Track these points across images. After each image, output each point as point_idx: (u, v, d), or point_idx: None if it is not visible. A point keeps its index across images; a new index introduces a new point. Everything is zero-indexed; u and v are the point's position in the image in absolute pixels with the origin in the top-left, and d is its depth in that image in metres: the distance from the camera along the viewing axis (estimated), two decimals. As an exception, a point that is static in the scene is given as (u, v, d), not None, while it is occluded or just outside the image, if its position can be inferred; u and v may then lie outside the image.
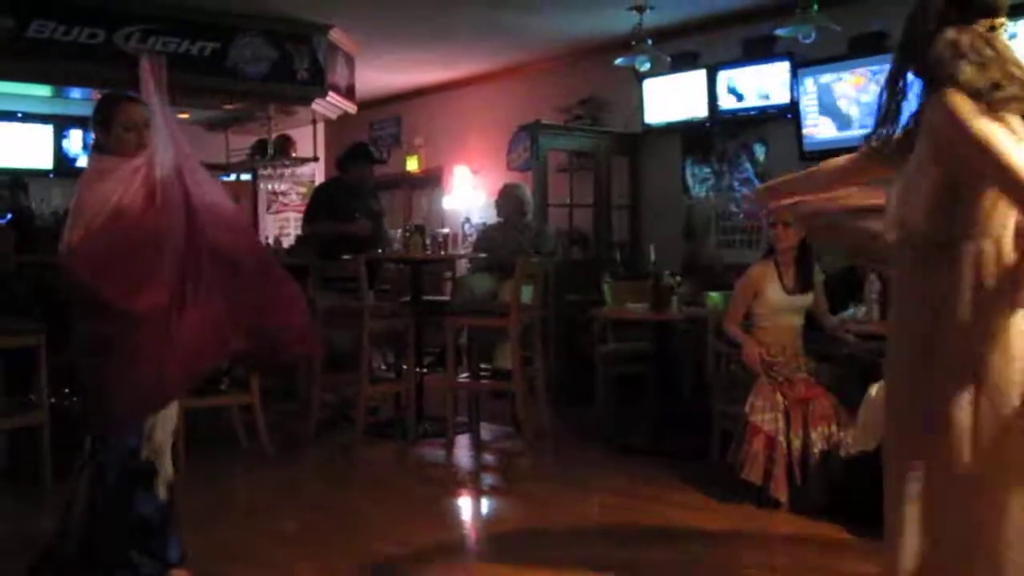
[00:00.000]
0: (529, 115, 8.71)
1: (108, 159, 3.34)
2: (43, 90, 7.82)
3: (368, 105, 10.52)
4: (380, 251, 6.86)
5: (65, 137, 9.74)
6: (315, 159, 9.41)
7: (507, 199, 7.22)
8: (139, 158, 3.30)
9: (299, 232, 9.77)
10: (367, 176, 7.14)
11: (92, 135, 3.51)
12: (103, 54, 6.95)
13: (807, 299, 5.11)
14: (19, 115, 9.39)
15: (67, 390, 5.77)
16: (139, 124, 3.37)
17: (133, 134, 3.36)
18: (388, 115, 11.68)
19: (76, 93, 7.91)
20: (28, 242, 6.79)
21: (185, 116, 8.83)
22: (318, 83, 8.01)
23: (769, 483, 4.63)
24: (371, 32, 8.28)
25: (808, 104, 7.31)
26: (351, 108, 8.91)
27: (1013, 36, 6.22)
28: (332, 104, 8.46)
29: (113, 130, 3.38)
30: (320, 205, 7.05)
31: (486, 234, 7.42)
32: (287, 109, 8.48)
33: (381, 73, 9.82)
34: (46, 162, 9.65)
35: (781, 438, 4.64)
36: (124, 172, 3.27)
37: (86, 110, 9.55)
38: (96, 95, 7.92)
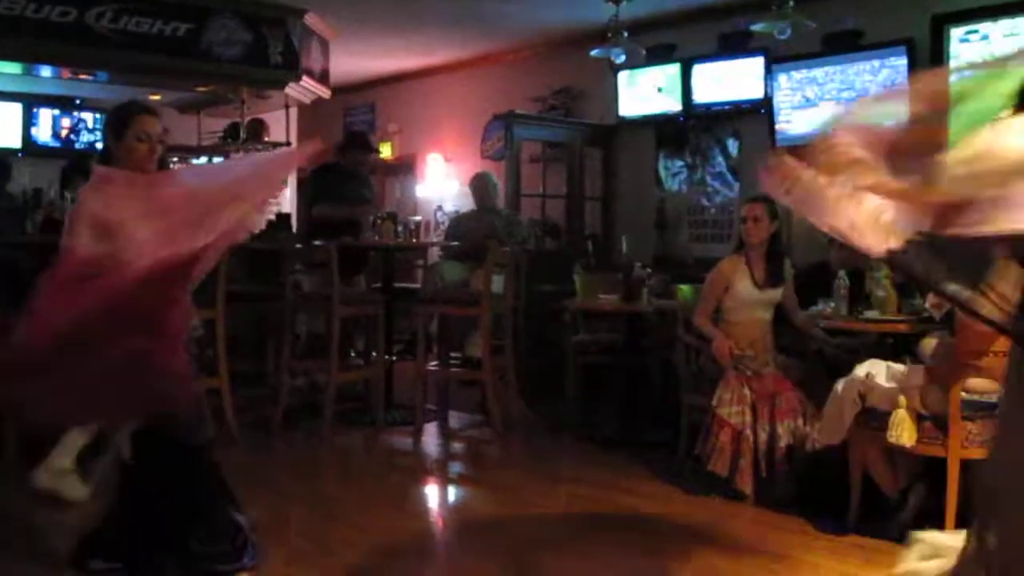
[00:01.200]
0: (504, 104, 8.70)
1: (110, 172, 3.29)
2: (12, 68, 7.72)
3: (343, 90, 10.46)
4: (354, 238, 6.83)
5: (34, 116, 9.63)
6: (288, 144, 9.35)
7: (481, 186, 7.24)
8: (151, 190, 3.23)
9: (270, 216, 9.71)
10: (364, 163, 7.22)
11: (102, 142, 3.50)
12: (74, 32, 6.87)
13: (777, 294, 5.13)
14: (-13, 92, 9.27)
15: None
16: (153, 137, 3.37)
17: (145, 145, 3.35)
18: (363, 101, 11.63)
19: (46, 71, 7.81)
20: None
21: (157, 97, 8.76)
22: (292, 67, 7.95)
23: (735, 475, 4.66)
24: (346, 17, 8.23)
25: (782, 100, 7.36)
26: (325, 93, 8.86)
27: (985, 38, 6.29)
28: (306, 89, 8.41)
29: (126, 139, 3.35)
30: (320, 188, 7.11)
31: (459, 221, 7.42)
32: (260, 93, 8.42)
33: (356, 59, 9.77)
34: (14, 141, 9.53)
35: (747, 431, 4.68)
36: (131, 190, 3.19)
37: (57, 89, 9.37)
38: (67, 74, 7.85)
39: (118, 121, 3.41)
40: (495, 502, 4.93)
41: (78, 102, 9.91)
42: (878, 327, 4.77)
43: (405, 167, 11.09)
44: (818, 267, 5.74)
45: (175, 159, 9.34)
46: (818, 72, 7.13)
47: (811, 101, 7.17)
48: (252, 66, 7.77)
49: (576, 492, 5.03)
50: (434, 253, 8.57)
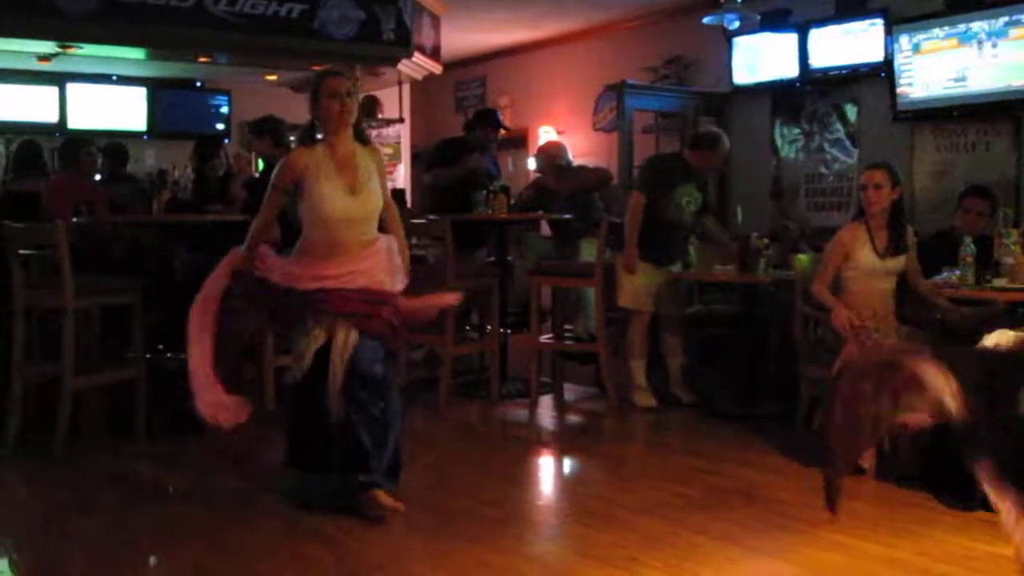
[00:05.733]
0: (615, 75, 8.63)
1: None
2: (137, 53, 7.97)
3: (453, 65, 10.52)
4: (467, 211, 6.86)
5: (158, 99, 9.91)
6: (401, 120, 9.46)
7: (556, 152, 7.48)
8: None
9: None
10: (492, 140, 7.34)
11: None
12: (194, 17, 7.05)
13: (899, 262, 4.99)
14: (113, 78, 9.57)
15: (161, 346, 5.93)
16: (341, 93, 3.89)
17: (336, 101, 3.89)
18: (473, 76, 11.67)
19: (169, 56, 8.04)
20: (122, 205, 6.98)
21: (273, 78, 8.94)
22: (404, 44, 8.02)
23: (856, 449, 4.56)
24: (457, -8, 8.28)
25: (903, 63, 7.11)
26: (436, 69, 8.92)
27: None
28: (418, 65, 8.47)
29: (320, 100, 3.92)
30: (441, 155, 7.30)
31: (538, 188, 7.51)
32: (373, 70, 8.52)
33: (466, 33, 9.80)
34: (140, 124, 9.85)
35: (870, 404, 4.56)
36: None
37: (181, 72, 9.63)
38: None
39: (313, 87, 3.97)
40: (610, 474, 4.93)
41: (199, 84, 10.18)
42: (1007, 296, 4.59)
43: (517, 140, 11.08)
44: (943, 234, 5.56)
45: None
46: (940, 31, 6.87)
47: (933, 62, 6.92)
48: (365, 44, 7.86)
49: (693, 465, 4.98)
50: (545, 227, 8.57)
